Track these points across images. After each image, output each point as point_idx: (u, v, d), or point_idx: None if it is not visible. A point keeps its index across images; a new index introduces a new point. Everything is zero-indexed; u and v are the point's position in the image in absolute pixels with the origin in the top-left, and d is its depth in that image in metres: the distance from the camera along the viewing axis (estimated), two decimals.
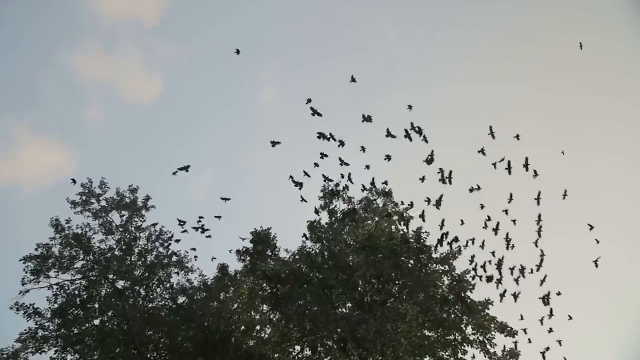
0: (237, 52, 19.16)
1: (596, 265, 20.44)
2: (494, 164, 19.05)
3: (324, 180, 22.16)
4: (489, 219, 20.11)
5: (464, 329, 20.23)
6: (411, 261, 20.64)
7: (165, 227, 23.09)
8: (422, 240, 20.86)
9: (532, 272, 20.59)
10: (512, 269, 20.69)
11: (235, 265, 24.19)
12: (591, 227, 20.33)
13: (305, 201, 21.07)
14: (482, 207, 20.29)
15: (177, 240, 22.70)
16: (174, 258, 22.69)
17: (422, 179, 18.94)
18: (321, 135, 18.53)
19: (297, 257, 22.09)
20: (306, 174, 19.68)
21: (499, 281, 20.53)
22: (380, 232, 21.01)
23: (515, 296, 20.49)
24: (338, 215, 22.36)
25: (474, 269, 20.67)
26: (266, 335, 22.01)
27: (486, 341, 20.18)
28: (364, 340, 20.22)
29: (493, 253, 20.56)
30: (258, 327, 22.09)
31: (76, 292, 21.42)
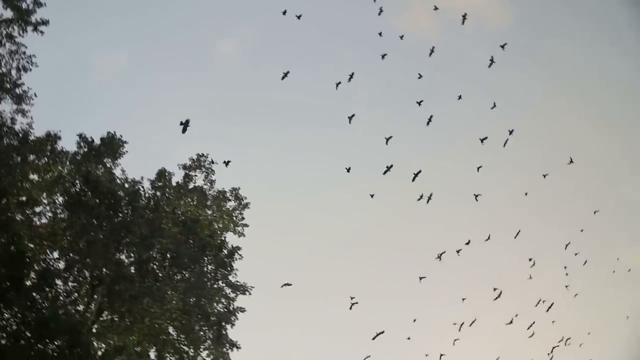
0: None
1: None
2: None
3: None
4: None
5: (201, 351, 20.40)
6: (210, 266, 20.53)
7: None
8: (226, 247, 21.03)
9: None
10: None
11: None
12: None
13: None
14: None
15: None
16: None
17: None
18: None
19: (130, 186, 20.73)
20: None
21: None
22: (208, 223, 20.72)
23: None
24: (190, 183, 21.66)
25: None
26: (38, 223, 20.15)
27: None
28: (116, 296, 19.43)
29: None
30: (37, 210, 20.16)
31: None
